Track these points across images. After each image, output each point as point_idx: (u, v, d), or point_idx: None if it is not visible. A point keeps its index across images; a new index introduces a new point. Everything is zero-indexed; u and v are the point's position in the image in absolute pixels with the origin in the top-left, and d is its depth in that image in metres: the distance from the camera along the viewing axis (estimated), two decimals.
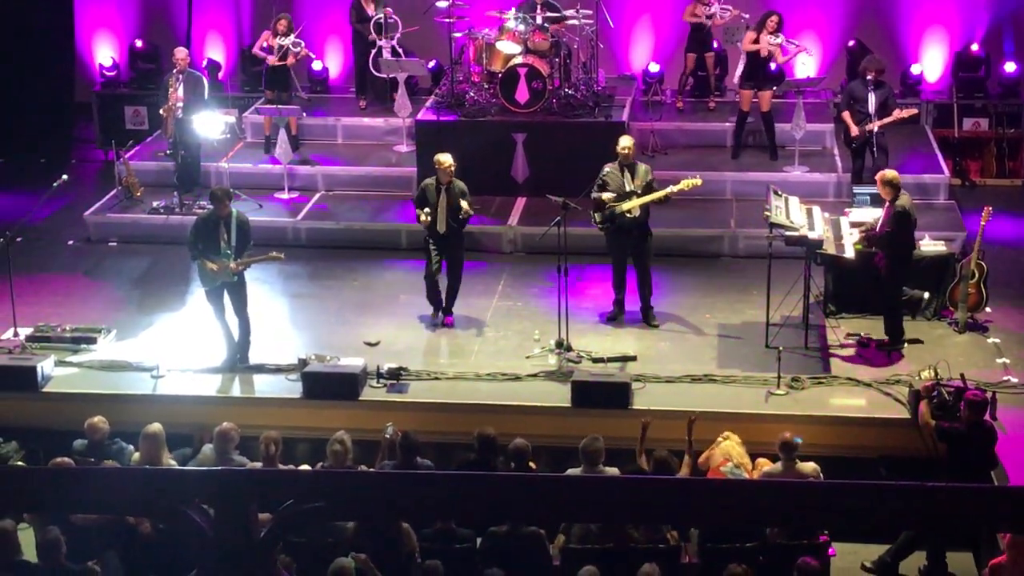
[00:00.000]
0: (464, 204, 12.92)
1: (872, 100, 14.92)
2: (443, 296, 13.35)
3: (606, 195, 13.02)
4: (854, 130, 14.98)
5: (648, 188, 13.09)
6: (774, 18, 16.08)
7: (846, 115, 15.15)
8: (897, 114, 14.90)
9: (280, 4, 18.28)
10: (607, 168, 13.17)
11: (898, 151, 16.00)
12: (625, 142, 13.20)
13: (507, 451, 10.61)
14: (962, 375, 11.57)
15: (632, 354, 12.79)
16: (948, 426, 10.60)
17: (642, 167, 13.23)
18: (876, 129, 14.85)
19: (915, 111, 15.71)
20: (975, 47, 18.16)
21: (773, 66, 16.34)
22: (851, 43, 18.19)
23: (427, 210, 12.99)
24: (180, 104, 15.92)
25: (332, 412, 11.96)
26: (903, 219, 12.39)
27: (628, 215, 13.02)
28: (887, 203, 12.52)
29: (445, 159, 13.06)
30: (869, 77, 15.03)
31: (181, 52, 16.25)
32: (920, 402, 11.10)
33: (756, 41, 16.05)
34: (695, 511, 3.67)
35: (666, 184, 13.27)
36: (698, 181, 13.28)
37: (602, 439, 10.55)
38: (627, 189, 13.03)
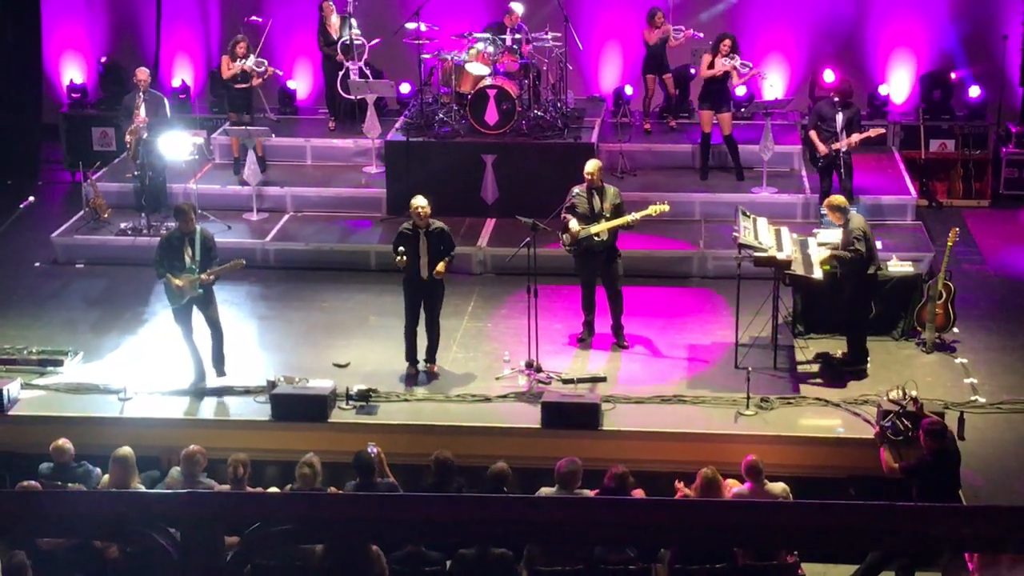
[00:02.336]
0: (439, 266, 12.42)
1: (839, 119, 15.02)
2: (423, 349, 12.86)
3: (573, 222, 12.97)
4: (821, 148, 15.07)
5: (617, 210, 13.05)
6: (727, 41, 16.18)
7: (813, 134, 15.25)
8: (857, 136, 14.97)
9: (248, 26, 18.25)
10: (575, 190, 13.13)
11: (865, 172, 16.09)
12: (591, 166, 13.16)
13: (487, 474, 10.57)
14: (905, 396, 11.44)
15: (602, 375, 12.79)
16: (914, 464, 10.53)
17: (611, 190, 13.19)
18: (843, 148, 14.94)
19: (882, 131, 15.81)
20: (952, 75, 18.27)
21: (743, 90, 16.45)
22: (832, 79, 18.20)
23: (402, 249, 12.44)
24: (143, 125, 15.86)
25: (301, 434, 11.91)
26: (862, 241, 12.45)
27: (596, 238, 13.03)
28: (842, 227, 12.62)
29: (416, 202, 12.53)
30: (836, 98, 15.15)
31: (143, 72, 16.20)
32: (880, 449, 10.91)
33: (712, 64, 16.16)
34: (665, 531, 3.66)
35: (635, 206, 13.31)
36: (665, 207, 13.29)
37: (580, 462, 10.52)
38: (595, 212, 13.01)
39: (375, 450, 10.86)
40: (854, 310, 12.77)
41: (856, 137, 14.95)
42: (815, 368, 12.87)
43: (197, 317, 12.61)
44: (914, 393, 11.45)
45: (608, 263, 13.19)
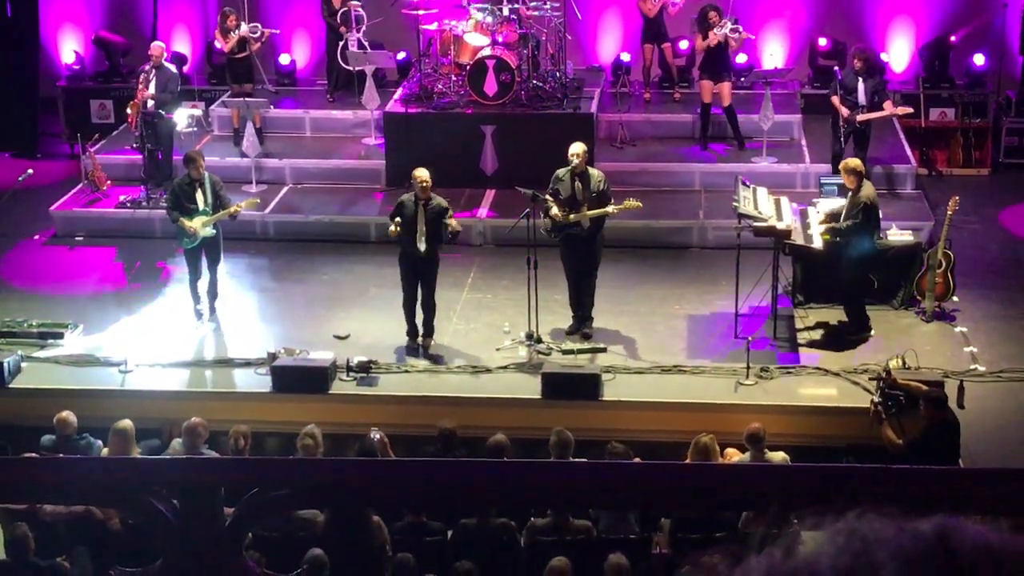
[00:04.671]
0: (452, 222, 12.30)
1: (861, 90, 14.97)
2: (420, 324, 12.80)
3: (554, 208, 12.53)
4: (844, 111, 15.00)
5: (600, 196, 12.57)
6: (712, 14, 16.04)
7: (835, 99, 15.20)
8: (890, 110, 14.95)
9: None
10: (559, 173, 12.63)
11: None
12: (575, 148, 12.60)
13: (486, 447, 10.58)
14: (887, 371, 11.39)
15: (602, 345, 12.80)
16: (917, 438, 10.51)
17: (595, 175, 12.68)
18: (868, 121, 14.88)
19: (910, 109, 15.74)
20: (953, 38, 18.20)
21: (743, 58, 16.41)
22: (824, 43, 18.15)
23: (398, 220, 12.37)
24: (151, 100, 15.83)
25: (302, 406, 11.92)
26: (868, 210, 12.44)
27: (574, 228, 12.58)
28: (850, 192, 12.58)
29: (421, 173, 12.38)
30: (857, 66, 15.10)
31: (157, 47, 16.17)
32: (880, 427, 10.76)
33: (705, 39, 16.07)
34: (664, 495, 3.67)
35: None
36: (639, 204, 12.92)
37: (567, 431, 10.54)
38: (576, 198, 12.54)
39: (378, 435, 10.84)
40: (853, 278, 12.75)
41: (889, 109, 14.89)
42: (815, 337, 12.88)
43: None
44: (893, 363, 11.44)
45: (589, 249, 12.76)
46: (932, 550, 1.07)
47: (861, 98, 14.95)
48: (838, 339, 12.79)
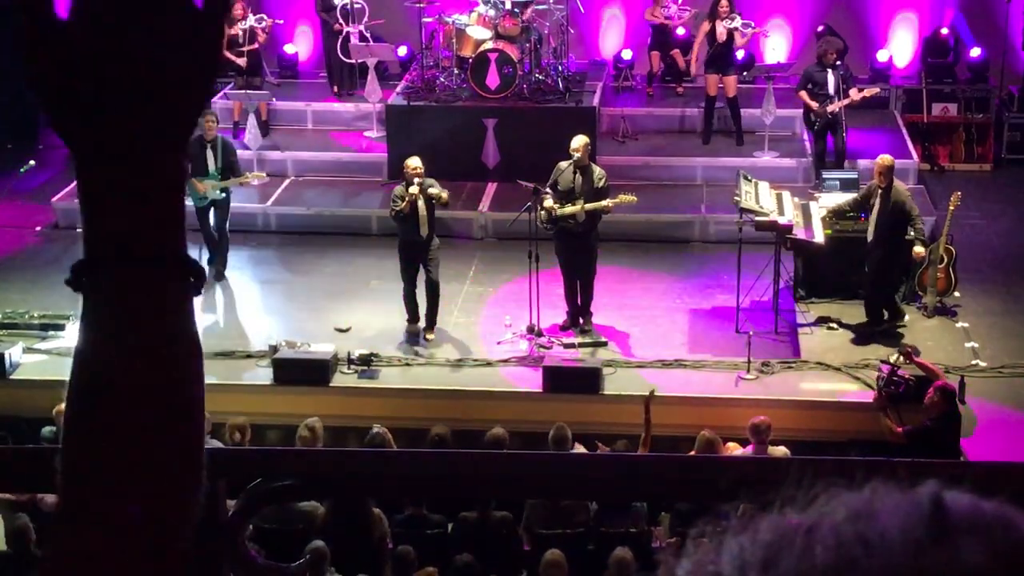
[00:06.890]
0: (434, 191, 12.33)
1: (831, 81, 14.95)
2: (423, 314, 12.81)
3: (548, 200, 12.45)
4: (813, 105, 14.99)
5: (598, 194, 12.44)
6: (723, 3, 16.05)
7: (803, 94, 15.18)
8: (855, 94, 14.92)
9: None
10: (561, 166, 12.56)
11: (867, 135, 16.06)
12: (576, 142, 12.49)
13: (484, 441, 10.57)
14: (907, 352, 11.42)
15: (603, 339, 12.80)
16: (918, 429, 10.51)
17: (596, 171, 12.58)
18: (838, 110, 14.87)
19: (876, 90, 15.72)
20: (944, 31, 18.20)
21: (740, 54, 16.41)
22: (820, 28, 18.22)
23: (412, 190, 12.26)
24: None
25: (303, 398, 11.93)
26: (905, 204, 12.38)
27: (569, 221, 12.53)
28: (880, 190, 12.47)
29: (411, 161, 12.42)
30: (829, 59, 15.07)
31: None
32: (882, 416, 10.77)
33: (712, 30, 16.07)
34: (662, 487, 3.67)
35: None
36: (634, 198, 12.78)
37: (566, 427, 10.53)
38: (574, 192, 12.43)
39: (380, 431, 10.82)
40: (892, 271, 12.64)
41: (855, 94, 14.87)
42: (816, 332, 12.88)
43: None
44: (893, 359, 11.42)
45: (583, 246, 12.68)
46: (925, 514, 1.08)
47: (831, 88, 14.92)
48: (840, 334, 12.79)
